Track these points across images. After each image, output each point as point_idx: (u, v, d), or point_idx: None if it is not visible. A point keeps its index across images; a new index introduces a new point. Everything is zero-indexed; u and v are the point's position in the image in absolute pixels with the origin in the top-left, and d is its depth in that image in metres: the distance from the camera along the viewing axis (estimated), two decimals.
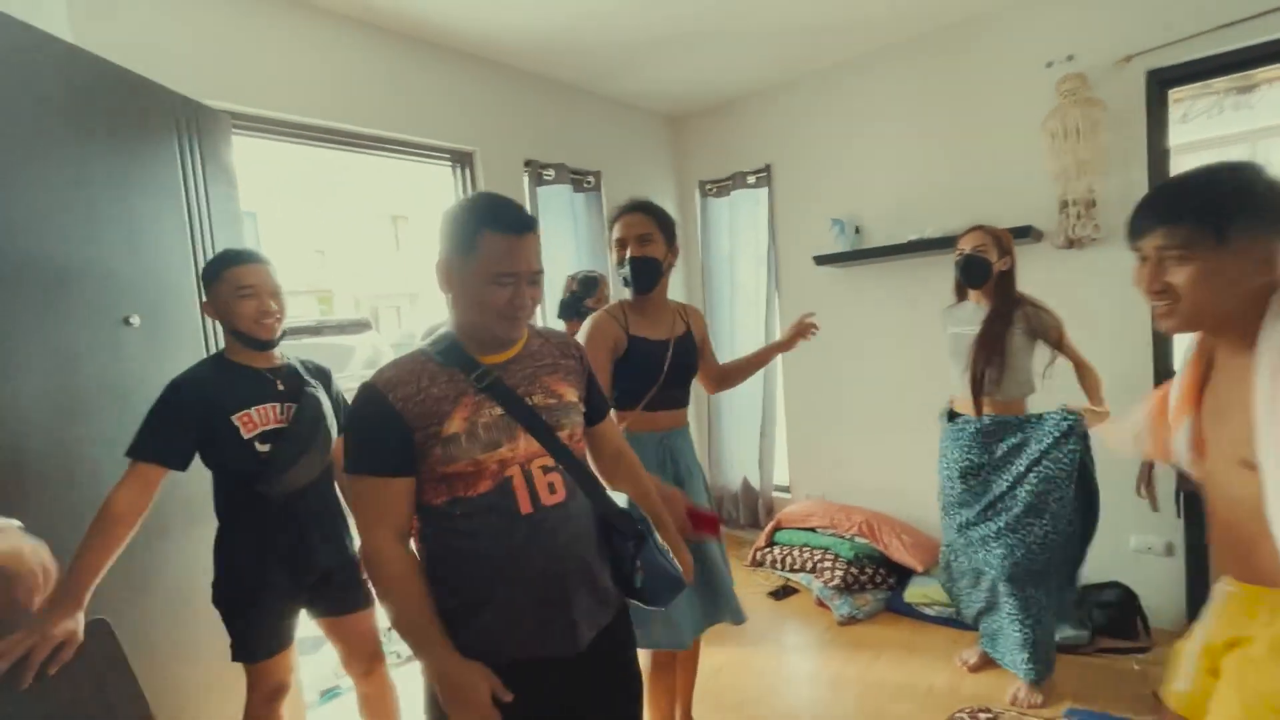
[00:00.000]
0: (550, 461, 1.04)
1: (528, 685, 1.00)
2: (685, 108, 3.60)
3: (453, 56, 2.60)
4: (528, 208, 2.82)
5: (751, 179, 3.44)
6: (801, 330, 1.97)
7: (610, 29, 2.55)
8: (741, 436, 3.69)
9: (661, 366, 1.71)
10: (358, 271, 15.60)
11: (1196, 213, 0.91)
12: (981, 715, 1.96)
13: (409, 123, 2.45)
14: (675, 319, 1.82)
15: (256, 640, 1.42)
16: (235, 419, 1.38)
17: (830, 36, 2.79)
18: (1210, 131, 2.86)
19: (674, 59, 2.90)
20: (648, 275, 1.69)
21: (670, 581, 1.14)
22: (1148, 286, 0.98)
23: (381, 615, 1.32)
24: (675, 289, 3.72)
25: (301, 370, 1.54)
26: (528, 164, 2.84)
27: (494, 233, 0.98)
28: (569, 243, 3.00)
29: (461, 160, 2.67)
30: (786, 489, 3.62)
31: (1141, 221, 0.98)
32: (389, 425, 0.98)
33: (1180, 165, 5.97)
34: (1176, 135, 2.50)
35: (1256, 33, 2.14)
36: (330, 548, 1.51)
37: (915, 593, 2.69)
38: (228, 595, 1.42)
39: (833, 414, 3.34)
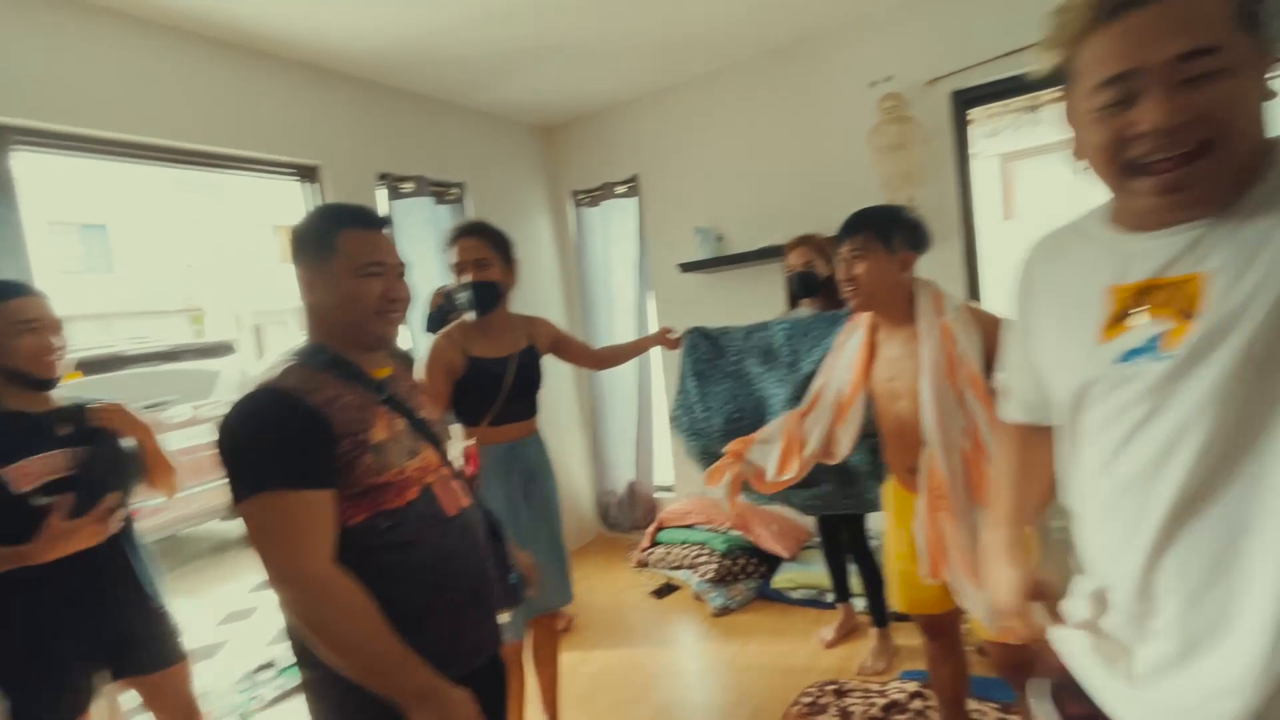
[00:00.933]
0: (449, 470, 1.07)
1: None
2: (554, 118, 3.63)
3: (293, 69, 2.48)
4: None
5: (621, 189, 3.52)
6: (661, 340, 2.22)
7: (467, 43, 2.53)
8: (625, 441, 3.76)
9: (501, 383, 1.74)
10: (235, 287, 14.48)
11: (873, 228, 1.45)
12: (829, 688, 2.11)
13: (243, 137, 2.31)
14: (518, 334, 1.86)
15: (45, 710, 1.30)
16: (2, 473, 1.25)
17: (683, 53, 2.91)
18: (1021, 144, 3.24)
19: (535, 72, 2.92)
20: (488, 298, 1.73)
21: (524, 580, 1.22)
22: (844, 276, 1.48)
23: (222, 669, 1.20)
24: (554, 297, 3.74)
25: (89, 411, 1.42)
26: (383, 177, 2.76)
27: (351, 229, 0.98)
28: (433, 256, 2.94)
29: (307, 175, 2.56)
30: (671, 489, 3.73)
31: (841, 235, 1.49)
32: (316, 430, 0.88)
33: (1014, 171, 6.57)
34: (1001, 145, 2.81)
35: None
36: (131, 603, 1.42)
37: (782, 579, 2.85)
38: (6, 665, 1.29)
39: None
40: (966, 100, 2.64)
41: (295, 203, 2.60)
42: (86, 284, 11.75)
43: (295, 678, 2.51)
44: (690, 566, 3.01)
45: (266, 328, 15.50)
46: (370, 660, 0.86)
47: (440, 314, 2.41)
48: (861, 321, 1.60)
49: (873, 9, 2.68)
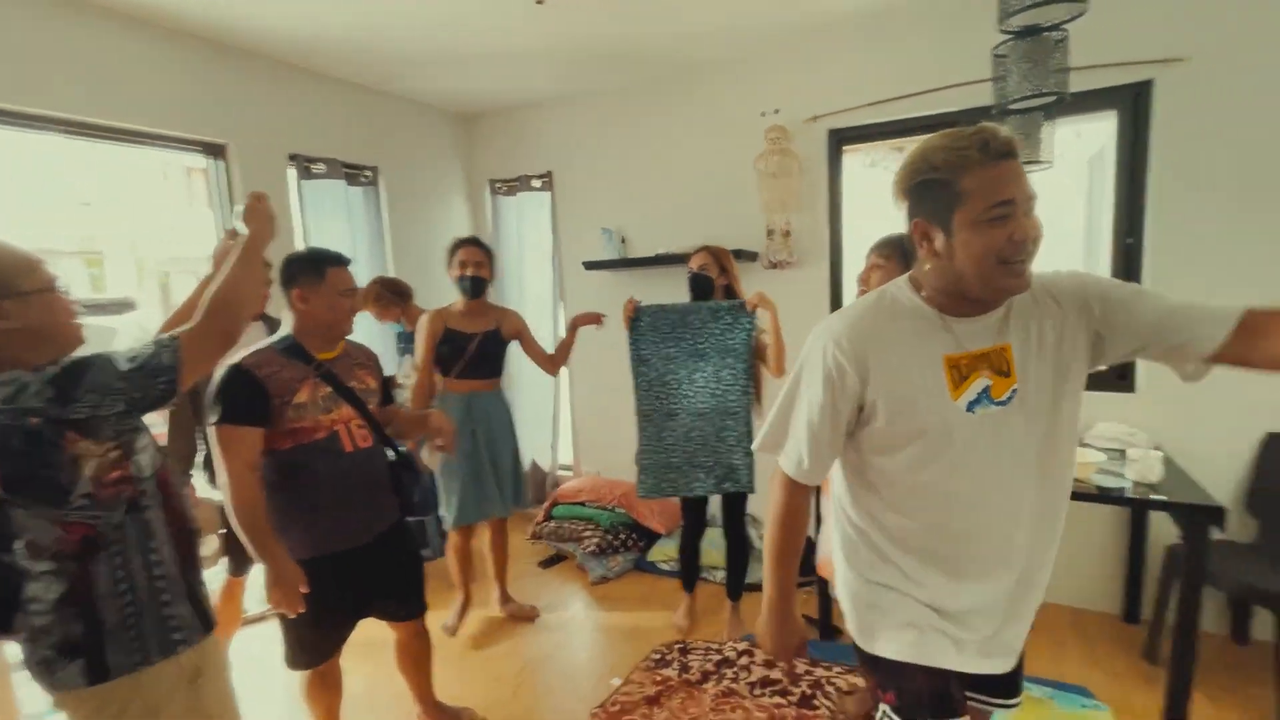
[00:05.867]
0: (362, 421, 1.67)
1: (340, 569, 1.63)
2: (473, 108, 3.74)
3: (203, 47, 2.51)
4: (292, 200, 2.86)
5: (536, 183, 3.69)
6: (591, 319, 2.70)
7: (392, 40, 2.63)
8: (533, 422, 3.99)
9: (465, 350, 2.51)
10: (139, 230, 13.49)
11: (897, 246, 1.88)
12: (675, 646, 2.45)
13: (147, 112, 2.35)
14: (489, 319, 2.58)
15: None
16: None
17: (597, 65, 3.09)
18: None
19: (458, 70, 3.03)
20: (479, 288, 2.55)
21: (432, 498, 2.03)
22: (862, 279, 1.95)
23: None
24: None
25: None
26: (293, 158, 2.83)
27: (335, 267, 1.62)
28: (343, 234, 3.04)
29: (215, 152, 2.61)
30: (571, 468, 4.00)
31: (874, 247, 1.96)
32: (254, 391, 1.48)
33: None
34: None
35: (903, 110, 2.79)
36: None
37: (657, 552, 3.19)
38: None
39: (608, 401, 3.74)
40: (841, 138, 2.96)
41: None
42: None
43: None
44: (576, 540, 3.30)
45: (174, 276, 14.55)
46: (248, 531, 1.47)
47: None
48: None
49: (766, 50, 2.96)
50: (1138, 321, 0.94)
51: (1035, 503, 1.00)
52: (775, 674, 2.24)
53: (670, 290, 3.31)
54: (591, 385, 3.81)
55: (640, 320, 2.55)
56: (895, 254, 1.88)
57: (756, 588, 2.87)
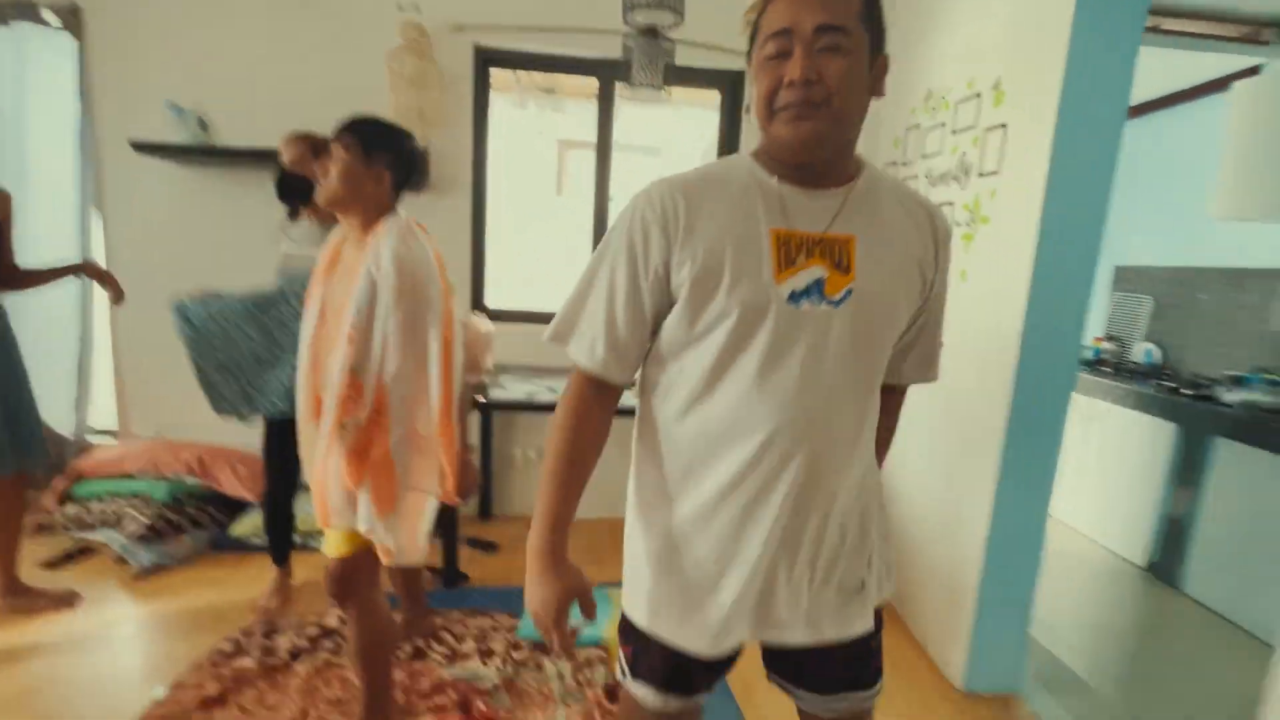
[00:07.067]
0: None
1: None
2: None
3: None
4: None
5: (49, 16, 2.53)
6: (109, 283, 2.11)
7: None
8: (45, 373, 2.76)
9: None
10: None
11: (359, 133, 1.39)
12: (260, 629, 1.95)
13: None
14: None
15: None
16: None
17: None
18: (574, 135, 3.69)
19: None
20: None
21: None
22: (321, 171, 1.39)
23: None
24: None
25: None
26: None
27: None
28: None
29: None
30: (114, 432, 2.92)
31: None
32: None
33: (566, 157, 7.39)
34: (559, 133, 3.03)
35: (550, 43, 2.73)
36: None
37: (245, 525, 2.54)
38: None
39: (172, 340, 2.82)
40: (488, 58, 2.77)
41: None
42: None
43: None
44: (113, 524, 2.39)
45: None
46: None
47: None
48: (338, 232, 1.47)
49: None
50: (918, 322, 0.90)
51: (847, 429, 0.82)
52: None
53: (265, 192, 2.65)
54: (145, 317, 2.82)
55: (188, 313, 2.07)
56: (355, 132, 1.41)
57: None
